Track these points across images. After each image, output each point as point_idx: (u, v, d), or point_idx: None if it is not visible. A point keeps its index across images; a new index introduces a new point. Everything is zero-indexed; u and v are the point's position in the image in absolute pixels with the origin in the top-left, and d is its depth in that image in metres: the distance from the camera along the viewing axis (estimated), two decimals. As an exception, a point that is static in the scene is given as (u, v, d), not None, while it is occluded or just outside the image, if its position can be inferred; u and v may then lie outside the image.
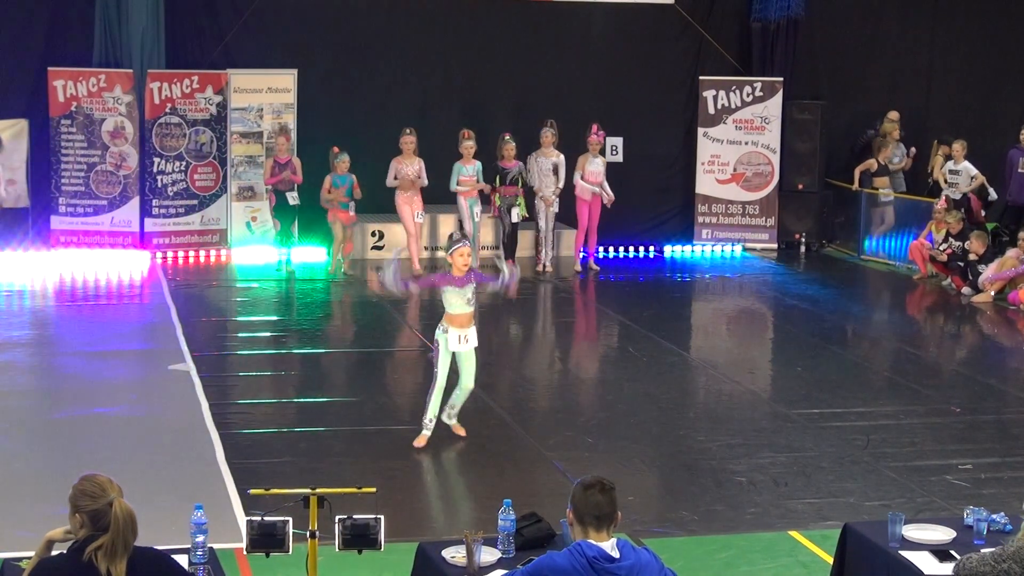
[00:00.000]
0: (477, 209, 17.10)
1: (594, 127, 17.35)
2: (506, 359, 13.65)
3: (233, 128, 17.70)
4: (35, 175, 17.17)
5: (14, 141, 16.93)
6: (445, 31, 18.76)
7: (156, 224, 17.51)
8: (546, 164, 17.23)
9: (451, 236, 10.48)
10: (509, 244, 17.37)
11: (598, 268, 17.69)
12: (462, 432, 10.38)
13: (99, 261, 17.10)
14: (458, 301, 9.97)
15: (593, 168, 17.35)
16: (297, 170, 16.88)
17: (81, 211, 17.35)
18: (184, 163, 17.54)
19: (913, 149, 19.08)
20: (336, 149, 16.67)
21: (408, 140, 16.83)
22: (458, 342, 10.02)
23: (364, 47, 18.46)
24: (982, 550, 6.01)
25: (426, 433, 10.17)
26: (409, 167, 16.82)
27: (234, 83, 17.66)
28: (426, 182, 16.93)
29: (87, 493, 4.87)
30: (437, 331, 10.12)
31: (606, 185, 17.40)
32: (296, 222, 17.09)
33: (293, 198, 16.81)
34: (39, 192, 17.22)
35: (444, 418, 10.28)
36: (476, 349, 10.20)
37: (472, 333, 10.09)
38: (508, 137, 17.11)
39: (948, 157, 18.18)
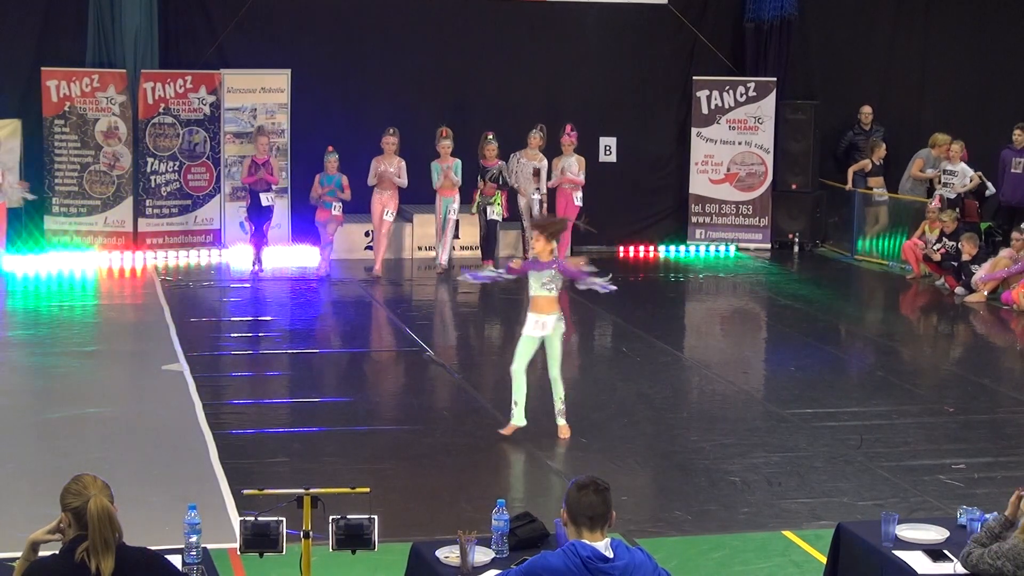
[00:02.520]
0: (453, 207, 17.12)
1: (567, 128, 17.35)
2: (499, 358, 13.64)
3: (226, 128, 17.69)
4: (29, 175, 17.14)
5: (8, 141, 16.90)
6: (439, 31, 18.76)
7: (149, 224, 17.50)
8: (527, 167, 17.25)
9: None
10: (486, 243, 17.36)
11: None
12: (564, 436, 10.42)
13: (93, 261, 17.09)
14: (533, 283, 10.19)
15: (564, 166, 17.37)
16: (273, 171, 16.86)
17: (75, 211, 17.33)
18: (177, 163, 17.53)
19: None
20: (330, 148, 16.73)
21: (390, 140, 16.85)
22: (534, 327, 10.23)
23: (357, 47, 18.45)
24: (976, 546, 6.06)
25: (513, 423, 10.39)
26: (389, 167, 16.83)
27: (227, 83, 17.65)
28: (405, 183, 16.93)
29: (71, 492, 4.94)
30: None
31: (578, 177, 17.32)
32: (269, 223, 16.99)
33: (268, 199, 16.79)
34: (32, 192, 17.18)
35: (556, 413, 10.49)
36: (561, 336, 10.33)
37: (550, 321, 10.19)
38: (491, 137, 17.12)
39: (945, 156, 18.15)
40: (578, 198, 17.42)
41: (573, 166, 17.39)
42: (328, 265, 16.90)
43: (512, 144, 17.34)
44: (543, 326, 10.21)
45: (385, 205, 16.92)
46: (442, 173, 17.01)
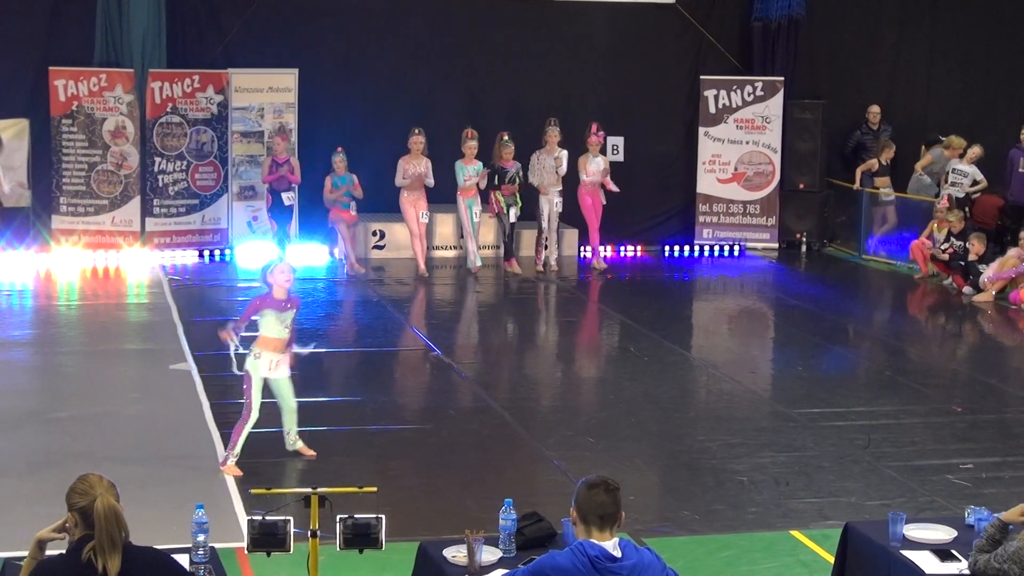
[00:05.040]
0: (476, 209, 17.13)
1: (594, 127, 17.34)
2: (507, 358, 13.65)
3: (234, 127, 17.70)
4: (36, 174, 17.17)
5: (15, 141, 16.93)
6: (446, 31, 18.76)
7: (157, 223, 17.51)
8: (548, 161, 17.24)
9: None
10: (508, 244, 17.40)
11: (604, 267, 17.68)
12: (312, 453, 9.81)
13: (100, 260, 17.11)
14: (275, 324, 9.45)
15: (593, 167, 17.36)
16: (295, 170, 16.92)
17: (82, 210, 17.34)
18: (185, 162, 17.54)
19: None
20: (339, 149, 16.76)
21: (417, 140, 16.87)
22: (268, 368, 9.49)
23: (365, 46, 18.45)
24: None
25: (232, 463, 9.53)
26: (417, 167, 16.84)
27: (235, 82, 17.66)
28: (432, 182, 16.94)
29: (77, 491, 4.93)
30: (248, 359, 9.50)
31: (608, 182, 17.37)
32: (293, 222, 17.08)
33: (289, 198, 16.85)
34: (40, 191, 17.22)
35: (288, 446, 9.80)
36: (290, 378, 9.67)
37: (285, 361, 9.56)
38: (507, 138, 17.10)
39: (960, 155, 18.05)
40: (604, 196, 17.45)
41: (601, 166, 17.37)
42: (354, 263, 16.96)
43: (522, 144, 17.31)
44: (279, 366, 9.53)
45: (417, 207, 16.96)
46: (467, 176, 16.98)
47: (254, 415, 9.52)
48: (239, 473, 9.48)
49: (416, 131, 16.91)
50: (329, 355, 13.37)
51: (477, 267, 17.14)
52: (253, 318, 9.50)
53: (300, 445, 9.87)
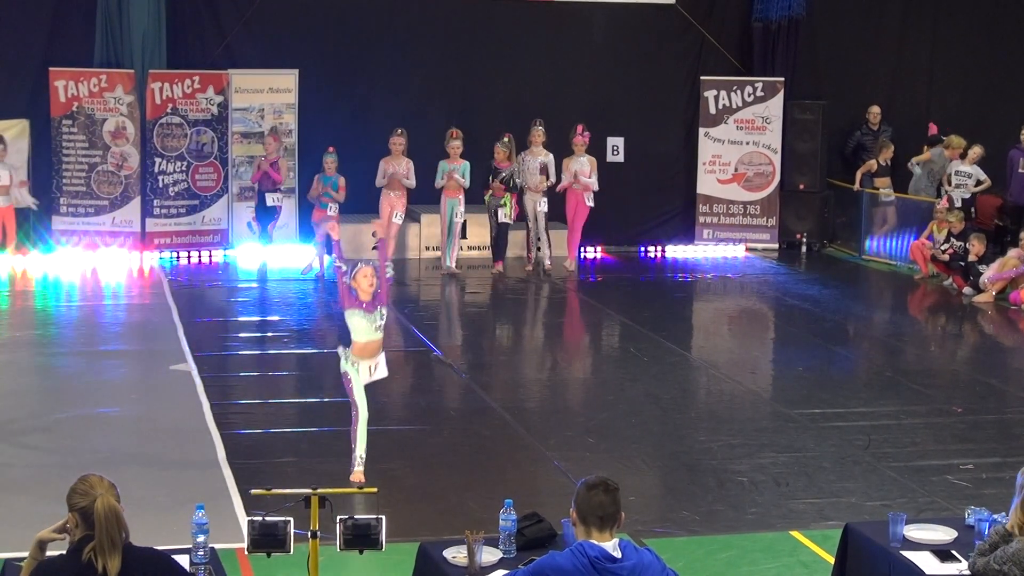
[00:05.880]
0: (460, 209, 17.07)
1: (579, 128, 17.28)
2: (507, 359, 13.65)
3: (234, 128, 17.71)
4: (36, 175, 17.17)
5: (16, 141, 16.93)
6: (447, 31, 18.77)
7: (157, 224, 17.51)
8: (534, 163, 17.22)
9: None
10: (497, 244, 17.35)
11: (572, 268, 17.56)
12: (361, 480, 9.27)
13: (100, 261, 17.11)
14: (366, 327, 9.25)
15: (576, 168, 17.28)
16: (280, 170, 16.88)
17: (82, 211, 17.35)
18: (185, 163, 17.54)
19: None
20: (330, 149, 16.70)
21: (397, 141, 16.81)
22: (369, 374, 9.34)
23: (365, 47, 18.45)
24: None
25: (360, 469, 9.31)
26: (397, 168, 16.81)
27: (235, 83, 17.67)
28: (414, 184, 16.90)
29: (78, 492, 4.94)
30: (343, 363, 9.33)
31: (591, 181, 17.22)
32: (275, 222, 16.99)
33: (273, 199, 16.81)
34: (40, 192, 17.21)
35: (354, 463, 9.37)
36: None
37: (382, 361, 9.41)
38: (506, 139, 17.08)
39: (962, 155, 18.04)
40: (589, 198, 17.34)
41: (585, 167, 17.26)
42: (320, 263, 16.81)
43: (520, 145, 17.32)
44: (377, 369, 9.39)
45: (394, 206, 16.90)
46: (445, 174, 16.97)
47: (363, 413, 9.29)
48: (362, 479, 9.21)
49: (398, 131, 16.86)
50: (328, 355, 13.36)
51: (450, 269, 17.08)
52: (343, 305, 9.29)
53: (358, 469, 9.34)
